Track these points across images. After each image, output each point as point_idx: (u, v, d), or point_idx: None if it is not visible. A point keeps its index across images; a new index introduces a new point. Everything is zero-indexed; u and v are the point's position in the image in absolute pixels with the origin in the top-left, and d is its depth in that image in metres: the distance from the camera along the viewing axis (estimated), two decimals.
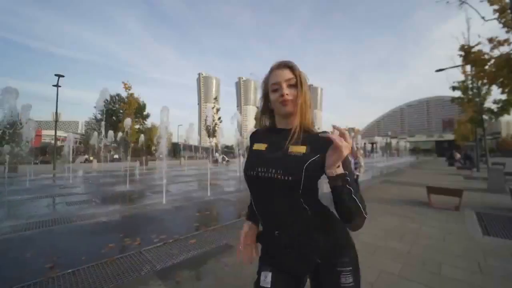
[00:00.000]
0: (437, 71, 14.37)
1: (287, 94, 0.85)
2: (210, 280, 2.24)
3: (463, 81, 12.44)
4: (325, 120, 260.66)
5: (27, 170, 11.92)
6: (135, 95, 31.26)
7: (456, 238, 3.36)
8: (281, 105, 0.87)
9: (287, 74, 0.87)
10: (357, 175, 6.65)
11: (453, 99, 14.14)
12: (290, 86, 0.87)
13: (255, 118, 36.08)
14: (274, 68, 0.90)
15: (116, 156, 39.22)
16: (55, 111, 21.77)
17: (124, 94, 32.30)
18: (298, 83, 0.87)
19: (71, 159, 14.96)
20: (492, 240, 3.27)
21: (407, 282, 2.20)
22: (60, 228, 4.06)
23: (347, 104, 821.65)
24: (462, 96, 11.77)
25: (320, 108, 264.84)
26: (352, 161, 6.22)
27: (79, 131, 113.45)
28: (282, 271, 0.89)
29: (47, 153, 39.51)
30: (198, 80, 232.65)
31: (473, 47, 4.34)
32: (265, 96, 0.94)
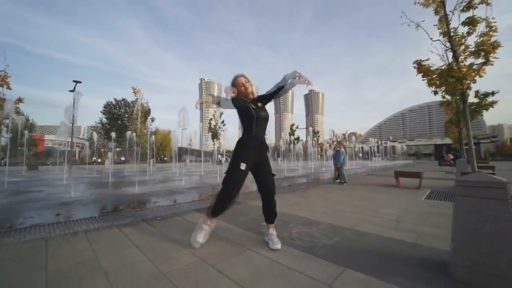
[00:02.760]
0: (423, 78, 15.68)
1: (250, 89, 2.34)
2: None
3: None
4: (326, 125, 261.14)
5: (47, 169, 13.28)
6: (143, 100, 32.74)
7: (403, 200, 4.63)
8: (247, 92, 2.32)
9: (245, 79, 2.33)
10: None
11: (441, 103, 15.47)
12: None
13: None
14: (239, 76, 2.33)
15: (122, 158, 40.63)
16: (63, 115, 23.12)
17: (130, 98, 33.76)
18: (250, 85, 2.33)
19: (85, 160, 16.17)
20: (428, 201, 4.54)
21: (353, 214, 3.47)
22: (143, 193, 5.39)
23: (348, 109, 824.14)
24: (442, 99, 13.07)
25: (321, 113, 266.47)
26: (342, 152, 7.49)
27: (81, 136, 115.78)
28: (251, 162, 2.20)
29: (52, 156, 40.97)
30: (200, 85, 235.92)
31: (423, 60, 5.66)
32: (236, 87, 2.33)
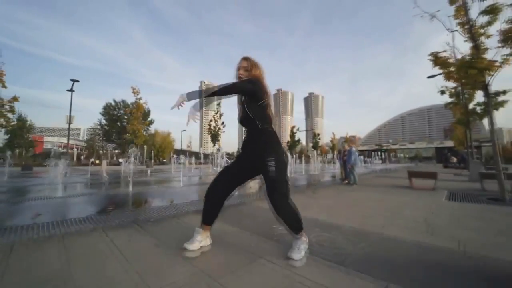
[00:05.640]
0: (429, 77, 15.37)
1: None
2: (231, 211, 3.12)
3: (455, 87, 13.47)
4: (326, 128, 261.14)
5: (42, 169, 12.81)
6: (142, 101, 32.25)
7: (424, 201, 4.22)
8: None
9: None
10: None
11: (446, 104, 15.09)
12: None
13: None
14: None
15: (120, 160, 40.02)
16: (64, 116, 22.46)
17: (130, 99, 33.25)
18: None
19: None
20: (451, 203, 4.13)
21: (374, 217, 3.06)
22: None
23: (347, 111, 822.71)
24: (450, 100, 12.70)
25: (321, 116, 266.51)
26: (354, 151, 6.87)
27: (80, 138, 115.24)
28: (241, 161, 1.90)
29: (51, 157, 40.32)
30: (200, 88, 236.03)
31: (440, 52, 5.29)
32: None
